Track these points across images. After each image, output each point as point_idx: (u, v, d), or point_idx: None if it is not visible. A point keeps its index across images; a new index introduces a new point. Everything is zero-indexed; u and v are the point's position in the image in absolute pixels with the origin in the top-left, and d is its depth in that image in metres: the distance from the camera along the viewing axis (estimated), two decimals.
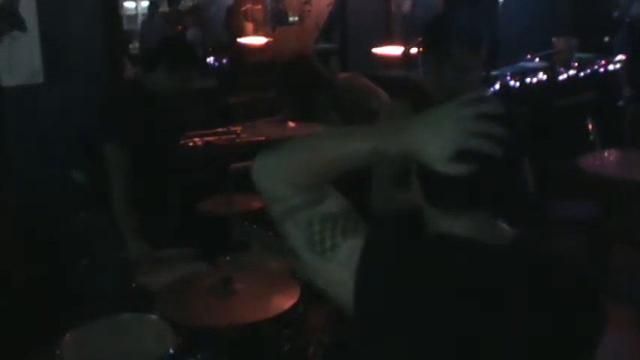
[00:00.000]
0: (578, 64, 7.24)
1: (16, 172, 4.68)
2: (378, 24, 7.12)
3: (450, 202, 1.55)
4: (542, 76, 6.87)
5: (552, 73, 6.92)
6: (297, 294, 2.94)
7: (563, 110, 6.61)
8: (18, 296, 4.33)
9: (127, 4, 11.27)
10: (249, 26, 9.21)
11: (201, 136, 4.10)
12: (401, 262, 1.54)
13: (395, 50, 6.51)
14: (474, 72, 2.75)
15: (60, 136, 4.76)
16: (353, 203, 1.63)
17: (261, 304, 2.95)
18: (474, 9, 6.35)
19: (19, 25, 4.75)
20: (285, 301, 2.92)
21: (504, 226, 1.61)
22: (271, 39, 8.37)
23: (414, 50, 6.29)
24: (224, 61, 8.84)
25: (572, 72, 7.16)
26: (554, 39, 7.40)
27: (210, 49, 9.29)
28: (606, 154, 5.17)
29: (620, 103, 7.22)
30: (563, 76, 7.06)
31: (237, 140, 3.97)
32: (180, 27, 10.10)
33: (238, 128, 4.11)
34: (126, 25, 9.97)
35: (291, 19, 8.87)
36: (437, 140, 1.46)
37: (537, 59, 7.26)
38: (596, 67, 7.36)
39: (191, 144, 4.05)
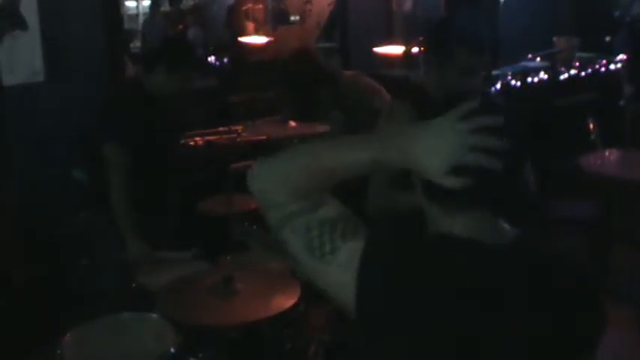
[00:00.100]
0: (579, 64, 7.24)
1: (16, 172, 4.68)
2: (379, 23, 7.12)
3: (451, 200, 1.55)
4: (543, 75, 6.86)
5: (553, 73, 6.92)
6: (297, 294, 2.94)
7: (563, 110, 6.61)
8: (18, 296, 4.33)
9: (128, 4, 11.27)
10: (250, 25, 9.21)
11: (201, 135, 4.10)
12: (401, 262, 1.54)
13: (396, 49, 6.51)
14: (477, 74, 2.75)
15: (60, 135, 4.75)
16: (351, 210, 1.64)
17: (261, 304, 2.95)
18: (475, 10, 6.37)
19: (20, 24, 4.74)
20: (285, 301, 2.92)
21: (505, 225, 1.61)
22: (272, 38, 8.38)
23: (414, 50, 6.30)
24: (225, 60, 8.83)
25: (573, 71, 7.16)
26: (555, 38, 7.40)
27: (211, 48, 9.29)
28: (607, 154, 5.17)
29: (621, 102, 7.21)
30: (564, 76, 7.06)
31: (238, 139, 3.97)
32: (181, 26, 10.10)
33: (239, 127, 4.11)
34: (127, 25, 9.97)
35: (292, 18, 8.88)
36: (434, 154, 1.48)
37: (538, 59, 7.26)
38: (597, 66, 7.36)
39: (192, 143, 4.05)
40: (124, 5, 10.00)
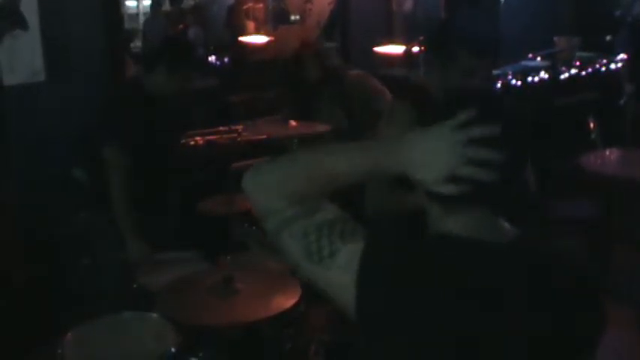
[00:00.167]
0: (580, 63, 7.23)
1: (16, 172, 4.68)
2: (380, 23, 7.11)
3: (451, 200, 1.55)
4: (543, 75, 6.86)
5: (554, 72, 6.91)
6: (297, 293, 2.94)
7: (564, 109, 6.60)
8: (18, 296, 4.33)
9: (128, 3, 11.29)
10: (251, 25, 9.21)
11: (202, 135, 4.11)
12: (401, 262, 1.54)
13: (396, 49, 6.50)
14: (479, 75, 2.75)
15: (60, 135, 4.75)
16: (350, 210, 1.64)
17: (261, 304, 2.95)
18: (477, 10, 6.36)
19: (21, 23, 4.74)
20: (285, 301, 2.92)
21: (505, 224, 1.61)
22: (272, 38, 8.38)
23: (415, 49, 6.29)
24: (225, 59, 8.84)
25: (573, 71, 7.15)
26: (555, 38, 7.40)
27: (211, 47, 9.30)
28: (607, 153, 5.16)
29: (622, 101, 7.21)
30: (564, 75, 7.05)
31: (239, 139, 3.97)
32: (181, 26, 10.11)
33: (239, 127, 4.11)
34: (127, 24, 9.99)
35: (292, 17, 8.87)
36: (430, 165, 1.51)
37: (539, 58, 7.26)
38: (597, 66, 7.36)
39: (192, 143, 4.06)
40: (124, 5, 10.02)
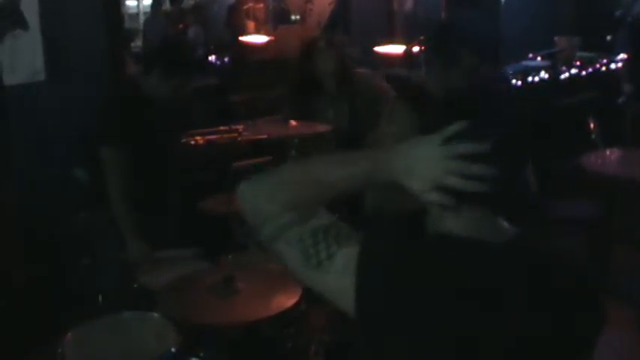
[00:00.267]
0: (580, 63, 7.24)
1: (16, 172, 4.67)
2: (380, 23, 7.12)
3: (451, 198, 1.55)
4: (543, 74, 6.87)
5: (554, 72, 6.92)
6: (298, 293, 2.93)
7: (564, 109, 6.61)
8: (18, 296, 4.32)
9: (128, 3, 11.30)
10: (251, 25, 9.22)
11: (202, 134, 4.10)
12: (401, 262, 1.54)
13: (397, 49, 6.51)
14: (480, 75, 2.75)
15: (60, 135, 4.75)
16: (350, 209, 1.65)
17: (262, 303, 2.95)
18: (478, 11, 6.36)
19: (21, 23, 4.75)
20: (286, 300, 2.91)
21: (504, 223, 1.62)
22: (273, 37, 8.38)
23: (415, 49, 6.30)
24: (226, 59, 8.84)
25: (573, 71, 7.16)
26: (556, 38, 7.41)
27: (211, 47, 9.30)
28: (607, 153, 5.16)
29: (620, 100, 7.21)
30: (564, 75, 7.06)
31: (239, 139, 3.97)
32: (181, 25, 10.12)
33: (240, 127, 4.10)
34: (128, 24, 10.00)
35: (292, 17, 8.89)
36: (416, 176, 1.55)
37: (539, 58, 7.27)
38: (597, 66, 7.36)
39: (192, 142, 4.05)
40: (124, 4, 10.03)
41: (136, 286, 3.55)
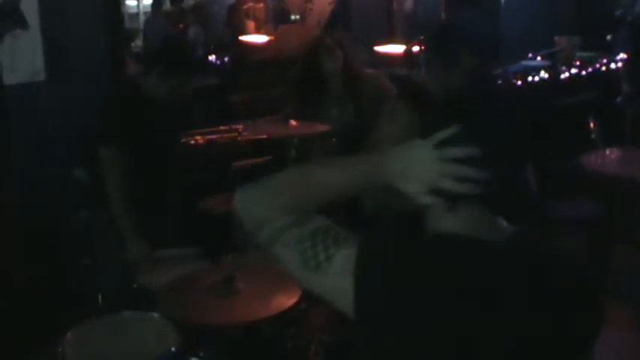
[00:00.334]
0: (580, 63, 7.24)
1: (16, 172, 4.68)
2: (380, 22, 7.12)
3: (449, 197, 1.56)
4: (543, 74, 6.87)
5: (554, 72, 6.92)
6: (298, 293, 2.93)
7: (564, 109, 6.61)
8: (18, 296, 4.32)
9: (128, 2, 11.30)
10: (251, 24, 9.23)
11: (202, 134, 4.10)
12: (400, 262, 1.54)
13: (397, 49, 6.50)
14: (480, 74, 2.75)
15: (60, 135, 4.75)
16: (350, 209, 1.65)
17: (262, 303, 2.95)
18: (478, 11, 6.36)
19: (21, 23, 4.75)
20: (286, 300, 2.92)
21: (503, 222, 1.62)
22: (273, 37, 8.38)
23: (416, 49, 6.29)
24: (226, 59, 8.84)
25: (573, 71, 7.16)
26: (556, 37, 7.41)
27: (211, 47, 9.30)
28: (607, 153, 5.16)
29: (618, 99, 7.22)
30: (564, 75, 7.06)
31: (239, 139, 3.97)
32: (182, 25, 10.13)
33: (240, 127, 4.11)
34: (128, 24, 10.01)
35: (292, 17, 8.89)
36: (412, 180, 1.57)
37: (539, 58, 7.27)
38: (597, 65, 7.36)
39: (193, 142, 4.05)
40: (124, 4, 10.03)
41: (135, 286, 3.55)
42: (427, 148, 1.55)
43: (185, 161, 4.43)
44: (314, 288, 1.61)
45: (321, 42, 4.57)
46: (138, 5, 12.09)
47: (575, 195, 5.14)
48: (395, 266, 1.54)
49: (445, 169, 1.52)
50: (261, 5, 9.33)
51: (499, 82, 6.25)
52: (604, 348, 1.61)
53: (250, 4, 9.34)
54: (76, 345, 2.80)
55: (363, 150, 3.06)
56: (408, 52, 6.39)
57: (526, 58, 7.28)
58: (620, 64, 7.42)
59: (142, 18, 11.71)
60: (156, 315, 2.99)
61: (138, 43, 10.34)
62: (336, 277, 1.54)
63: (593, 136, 5.52)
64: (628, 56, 7.46)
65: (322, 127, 4.23)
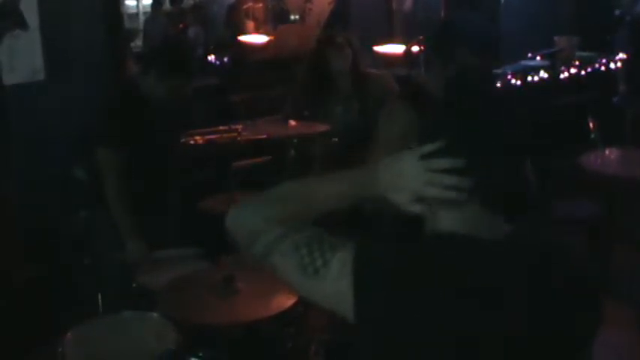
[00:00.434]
0: (580, 63, 7.24)
1: (16, 172, 4.67)
2: (380, 22, 7.13)
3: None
4: (543, 74, 6.87)
5: (554, 72, 6.92)
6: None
7: (564, 109, 6.61)
8: (18, 296, 4.32)
9: (128, 2, 11.30)
10: (251, 24, 9.23)
11: (202, 134, 4.10)
12: (400, 264, 1.54)
13: (396, 48, 6.51)
14: (479, 74, 2.75)
15: (60, 135, 4.75)
16: (347, 220, 1.67)
17: (262, 303, 2.95)
18: (478, 10, 6.36)
19: (21, 23, 4.75)
20: (286, 300, 2.92)
21: (501, 221, 1.61)
22: (273, 37, 8.38)
23: (415, 49, 6.30)
24: (225, 59, 8.84)
25: (573, 70, 7.16)
26: (555, 37, 7.41)
27: (211, 47, 9.30)
28: (607, 153, 5.15)
29: (615, 99, 7.22)
30: (564, 75, 7.06)
31: (239, 138, 3.97)
32: (181, 25, 10.13)
33: (239, 126, 4.10)
34: (127, 24, 10.00)
35: (292, 17, 8.89)
36: (399, 191, 1.62)
37: (539, 57, 7.27)
38: (597, 65, 7.36)
39: (192, 142, 4.05)
40: (124, 4, 10.03)
41: (135, 285, 3.55)
42: (414, 159, 1.59)
43: (185, 161, 4.42)
44: (313, 295, 1.61)
45: (331, 40, 4.56)
46: (137, 5, 12.10)
47: (575, 195, 5.14)
48: (395, 269, 1.53)
49: (432, 178, 1.56)
50: (261, 5, 9.33)
51: (498, 81, 6.26)
52: (604, 348, 1.61)
53: (250, 4, 9.34)
54: (76, 345, 2.80)
55: (365, 150, 3.06)
56: (407, 52, 6.40)
57: (525, 57, 7.28)
58: (619, 64, 7.43)
59: (141, 18, 11.71)
60: (156, 315, 2.99)
61: (138, 43, 10.34)
62: (334, 281, 1.54)
63: (593, 136, 5.53)
64: (627, 56, 7.46)
65: (322, 127, 4.23)
